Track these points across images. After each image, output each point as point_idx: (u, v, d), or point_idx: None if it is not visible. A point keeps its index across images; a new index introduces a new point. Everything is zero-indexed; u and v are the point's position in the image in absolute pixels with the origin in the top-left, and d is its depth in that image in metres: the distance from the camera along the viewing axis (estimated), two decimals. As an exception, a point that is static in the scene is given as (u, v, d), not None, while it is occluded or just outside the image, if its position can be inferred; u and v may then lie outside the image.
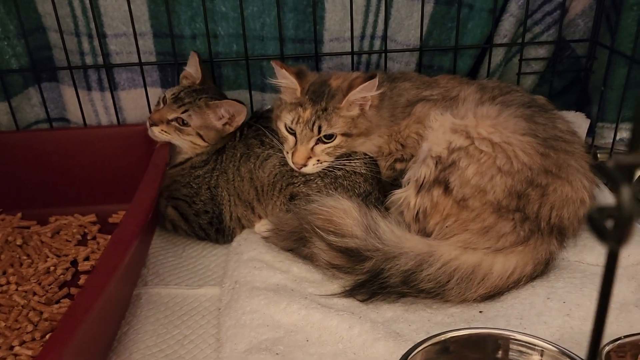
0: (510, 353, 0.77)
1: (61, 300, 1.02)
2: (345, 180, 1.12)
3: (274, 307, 0.94)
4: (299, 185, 1.13)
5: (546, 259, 1.00)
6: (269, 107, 1.29)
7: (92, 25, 1.25)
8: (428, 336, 0.78)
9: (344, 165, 1.12)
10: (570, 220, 1.00)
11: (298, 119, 1.08)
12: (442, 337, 0.77)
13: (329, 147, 1.09)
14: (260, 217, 1.18)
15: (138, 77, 1.33)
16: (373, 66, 1.36)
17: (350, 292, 0.97)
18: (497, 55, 1.34)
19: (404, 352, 0.74)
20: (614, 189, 0.31)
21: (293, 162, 1.09)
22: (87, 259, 1.13)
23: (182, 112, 1.15)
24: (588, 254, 1.06)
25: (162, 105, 1.18)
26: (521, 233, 0.98)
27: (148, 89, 1.33)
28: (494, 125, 1.01)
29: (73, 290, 1.04)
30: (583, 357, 0.71)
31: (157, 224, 1.22)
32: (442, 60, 1.35)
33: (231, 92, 1.36)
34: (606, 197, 1.16)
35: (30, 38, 1.28)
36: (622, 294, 0.95)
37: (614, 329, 0.88)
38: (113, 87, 1.33)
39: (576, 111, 1.37)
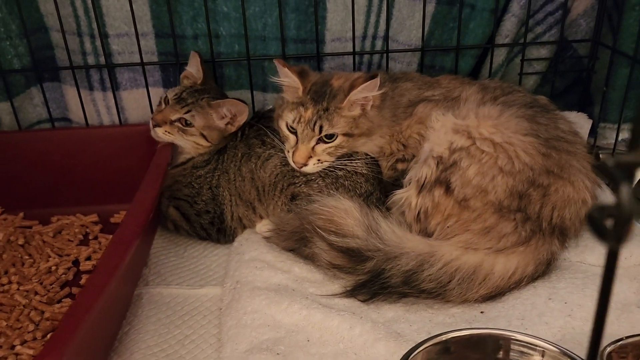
0: (511, 353, 0.77)
1: (63, 300, 1.02)
2: (347, 180, 1.12)
3: (275, 307, 0.94)
4: (300, 185, 1.13)
5: (548, 259, 0.99)
6: (271, 107, 1.29)
7: (94, 25, 1.26)
8: (429, 336, 0.78)
9: (345, 165, 1.12)
10: (572, 220, 1.00)
11: (299, 118, 1.08)
12: (443, 338, 0.77)
13: (330, 147, 1.09)
14: (261, 217, 1.18)
15: (140, 77, 1.33)
16: (375, 66, 1.36)
17: (352, 292, 0.97)
18: (499, 55, 1.34)
19: (405, 352, 0.74)
20: (614, 188, 0.31)
21: (294, 162, 1.09)
22: (88, 258, 1.13)
23: (185, 113, 1.15)
24: (590, 254, 1.06)
25: (164, 105, 1.18)
26: (522, 233, 0.98)
27: (150, 89, 1.33)
28: (496, 125, 1.01)
29: (75, 290, 1.04)
30: (584, 358, 0.71)
31: (159, 224, 1.23)
32: (443, 60, 1.35)
33: (233, 92, 1.36)
34: (608, 198, 1.16)
35: (33, 38, 1.28)
36: (623, 294, 0.95)
37: (615, 330, 0.88)
38: (115, 87, 1.34)
39: (578, 111, 1.37)
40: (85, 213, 1.28)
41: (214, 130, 1.18)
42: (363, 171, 1.13)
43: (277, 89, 1.21)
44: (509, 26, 1.30)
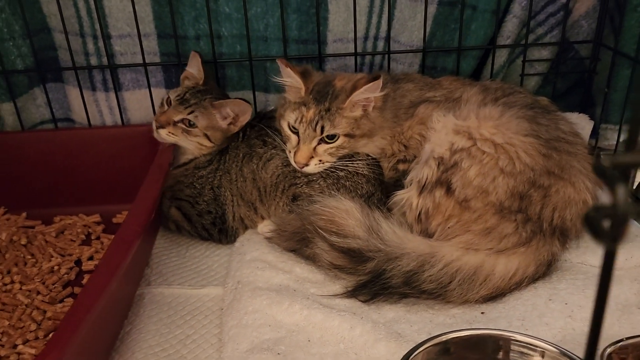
0: (511, 354, 0.78)
1: (65, 300, 1.03)
2: (348, 181, 1.12)
3: (276, 307, 0.94)
4: (302, 186, 1.13)
5: (548, 260, 1.00)
6: (272, 107, 1.30)
7: (97, 26, 1.26)
8: (429, 337, 0.78)
9: (347, 166, 1.12)
10: (573, 221, 1.00)
11: (301, 119, 1.09)
12: (443, 338, 0.77)
13: (332, 148, 1.09)
14: (263, 218, 1.19)
15: (142, 77, 1.33)
16: (376, 67, 1.36)
17: (352, 293, 0.98)
18: (501, 56, 1.34)
19: (405, 352, 0.74)
20: (610, 188, 0.31)
21: (295, 162, 1.10)
22: (91, 258, 1.14)
23: (189, 114, 1.15)
24: (591, 255, 1.06)
25: (166, 107, 1.18)
26: (523, 234, 0.98)
27: (152, 89, 1.34)
28: (497, 126, 1.01)
29: (77, 290, 1.05)
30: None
31: (161, 225, 1.23)
32: (445, 61, 1.35)
33: (235, 92, 1.36)
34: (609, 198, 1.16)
35: (35, 38, 1.29)
36: (624, 295, 0.95)
37: (616, 331, 0.88)
38: (117, 88, 1.34)
39: (580, 112, 1.37)
40: (87, 213, 1.28)
41: (217, 131, 1.18)
42: (364, 172, 1.13)
43: (279, 89, 1.21)
44: (510, 27, 1.30)
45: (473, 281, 0.94)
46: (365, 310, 0.95)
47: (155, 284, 1.07)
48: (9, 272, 1.08)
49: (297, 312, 0.93)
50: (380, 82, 1.06)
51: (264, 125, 1.20)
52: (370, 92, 1.07)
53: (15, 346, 0.91)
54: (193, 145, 1.19)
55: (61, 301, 1.02)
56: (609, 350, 0.77)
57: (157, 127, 1.15)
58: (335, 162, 1.11)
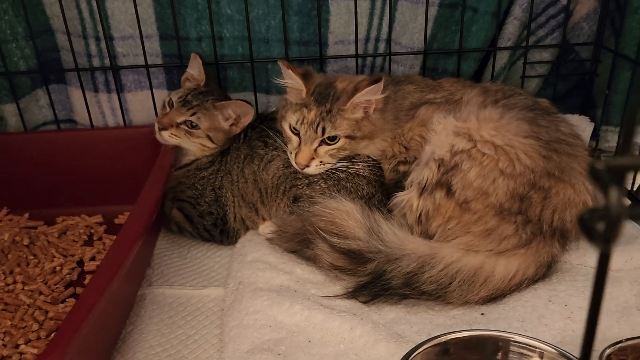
0: (510, 355, 0.78)
1: (67, 300, 1.03)
2: (349, 182, 1.12)
3: (276, 308, 0.95)
4: (303, 187, 1.13)
5: (548, 261, 1.00)
6: (274, 109, 1.30)
7: (100, 28, 1.27)
8: (429, 338, 0.78)
9: (347, 167, 1.12)
10: (573, 223, 1.00)
11: (302, 120, 1.09)
12: (443, 339, 0.77)
13: (332, 149, 1.10)
14: (264, 219, 1.19)
15: (144, 79, 1.34)
16: (377, 69, 1.37)
17: (353, 294, 0.98)
18: (501, 58, 1.34)
19: (405, 353, 0.75)
20: (604, 190, 0.32)
21: (296, 163, 1.10)
22: (93, 259, 1.14)
23: (191, 115, 1.15)
24: (590, 257, 1.06)
25: (168, 108, 1.18)
26: (523, 236, 0.98)
27: (154, 90, 1.34)
28: (497, 128, 1.01)
29: (79, 290, 1.05)
30: None
31: (162, 225, 1.23)
32: (446, 63, 1.35)
33: (236, 94, 1.37)
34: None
35: (38, 40, 1.30)
36: (624, 297, 0.95)
37: (616, 333, 0.88)
38: (120, 89, 1.35)
39: (580, 114, 1.37)
40: (89, 214, 1.29)
41: (219, 132, 1.19)
42: (365, 173, 1.14)
43: (281, 91, 1.21)
44: (511, 29, 1.30)
45: (473, 282, 0.95)
46: (365, 311, 0.96)
47: (157, 284, 1.08)
48: (11, 272, 1.09)
49: (297, 312, 0.93)
50: (381, 84, 1.06)
51: (265, 126, 1.21)
52: (372, 95, 1.08)
53: (17, 346, 0.92)
54: (195, 147, 1.19)
55: (63, 301, 1.03)
56: (608, 351, 0.78)
57: (160, 129, 1.16)
58: (336, 164, 1.12)
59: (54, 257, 1.13)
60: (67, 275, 1.08)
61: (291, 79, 1.12)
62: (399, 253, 0.96)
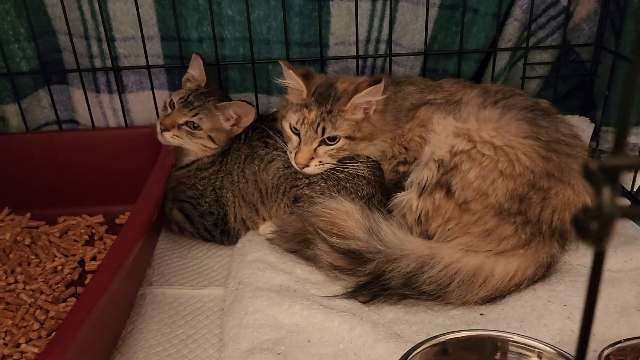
0: (508, 355, 0.78)
1: (68, 299, 1.04)
2: (348, 182, 1.13)
3: (276, 307, 0.95)
4: (303, 187, 1.14)
5: (548, 262, 1.00)
6: (274, 110, 1.31)
7: (101, 29, 1.27)
8: (428, 338, 0.78)
9: (347, 168, 1.13)
10: (572, 223, 1.00)
11: (303, 120, 1.10)
12: (441, 339, 0.78)
13: (332, 149, 1.10)
14: (264, 219, 1.20)
15: (146, 79, 1.34)
16: (378, 70, 1.37)
17: (352, 294, 0.98)
18: (502, 59, 1.34)
19: (403, 353, 0.75)
20: (597, 190, 0.32)
21: (295, 162, 1.10)
22: (94, 258, 1.15)
23: (193, 116, 1.16)
24: (590, 257, 1.06)
25: (169, 109, 1.18)
26: (523, 236, 0.98)
27: (155, 91, 1.35)
28: (496, 128, 1.01)
29: (80, 290, 1.06)
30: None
31: (163, 226, 1.24)
32: (446, 64, 1.36)
33: (237, 95, 1.37)
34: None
35: (40, 41, 1.30)
36: (623, 297, 0.95)
37: (615, 333, 0.88)
38: (121, 90, 1.35)
39: (580, 115, 1.37)
40: (91, 214, 1.29)
41: (221, 132, 1.19)
42: (365, 174, 1.14)
43: (282, 91, 1.22)
44: (511, 30, 1.30)
45: (472, 283, 0.95)
46: (364, 311, 0.96)
47: (157, 284, 1.08)
48: (12, 271, 1.09)
49: (297, 312, 0.94)
50: (381, 85, 1.07)
51: (265, 127, 1.21)
52: (372, 96, 1.08)
53: (18, 345, 0.92)
54: (197, 147, 1.20)
55: (64, 301, 1.03)
56: (606, 352, 0.78)
57: (162, 130, 1.16)
58: (335, 164, 1.12)
59: (55, 256, 1.14)
60: (68, 275, 1.09)
61: (292, 79, 1.13)
62: (399, 253, 0.96)
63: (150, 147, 1.24)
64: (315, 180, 1.13)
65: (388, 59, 1.34)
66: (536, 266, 0.98)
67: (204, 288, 1.07)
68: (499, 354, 0.78)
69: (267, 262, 1.08)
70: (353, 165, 1.13)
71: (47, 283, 1.06)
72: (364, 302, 0.98)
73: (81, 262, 1.14)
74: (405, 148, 1.14)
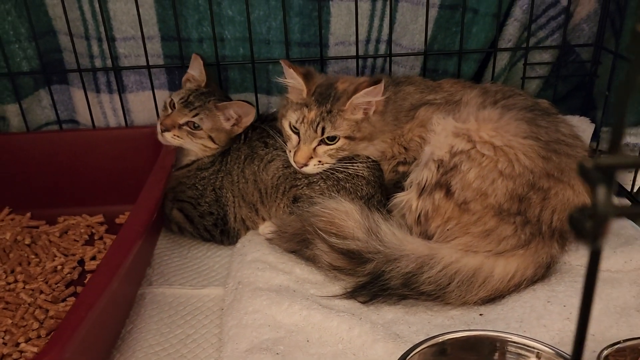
0: (507, 355, 0.78)
1: (67, 299, 1.04)
2: (348, 182, 1.13)
3: (275, 307, 0.95)
4: (302, 187, 1.14)
5: (547, 262, 1.00)
6: (274, 110, 1.31)
7: (102, 29, 1.28)
8: (426, 338, 0.78)
9: (347, 168, 1.13)
10: (572, 224, 1.00)
11: (303, 119, 1.10)
12: (440, 339, 0.78)
13: (331, 149, 1.10)
14: (264, 219, 1.20)
15: (146, 79, 1.35)
16: (378, 70, 1.37)
17: (352, 294, 0.98)
18: (502, 59, 1.34)
19: (402, 353, 0.75)
20: (592, 189, 0.32)
21: (294, 161, 1.11)
22: (93, 258, 1.15)
23: (194, 116, 1.16)
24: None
25: (169, 109, 1.19)
26: (522, 236, 0.98)
27: (156, 91, 1.35)
28: (496, 128, 1.01)
29: (79, 289, 1.06)
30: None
31: (163, 226, 1.24)
32: (446, 64, 1.36)
33: (237, 95, 1.37)
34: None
35: (41, 41, 1.30)
36: (623, 298, 0.95)
37: (614, 333, 0.88)
38: (121, 90, 1.35)
39: (581, 115, 1.37)
40: (91, 214, 1.30)
41: (221, 132, 1.19)
42: (364, 174, 1.14)
43: (282, 91, 1.22)
44: (511, 30, 1.30)
45: (472, 283, 0.95)
46: (364, 311, 0.96)
47: (157, 284, 1.08)
48: (12, 271, 1.09)
49: (296, 312, 0.94)
50: (381, 86, 1.07)
51: (265, 127, 1.21)
52: (372, 96, 1.08)
53: (17, 344, 0.92)
54: (197, 147, 1.20)
55: (64, 300, 1.03)
56: (605, 352, 0.78)
57: (162, 131, 1.16)
58: (334, 164, 1.12)
59: (55, 256, 1.14)
60: (68, 275, 1.09)
61: (292, 79, 1.13)
62: (398, 253, 0.96)
63: (150, 147, 1.25)
64: (315, 180, 1.13)
65: (388, 59, 1.34)
66: (536, 266, 0.98)
67: (204, 288, 1.07)
68: (497, 354, 0.78)
69: (266, 262, 1.08)
70: (353, 166, 1.13)
71: (46, 282, 1.06)
72: (363, 302, 0.98)
73: (81, 262, 1.14)
74: (405, 148, 1.14)
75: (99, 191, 1.32)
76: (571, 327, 0.89)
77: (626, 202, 1.26)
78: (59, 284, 1.06)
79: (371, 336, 0.88)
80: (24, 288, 1.05)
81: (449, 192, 1.01)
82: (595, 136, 1.36)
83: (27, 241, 1.17)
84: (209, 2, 1.25)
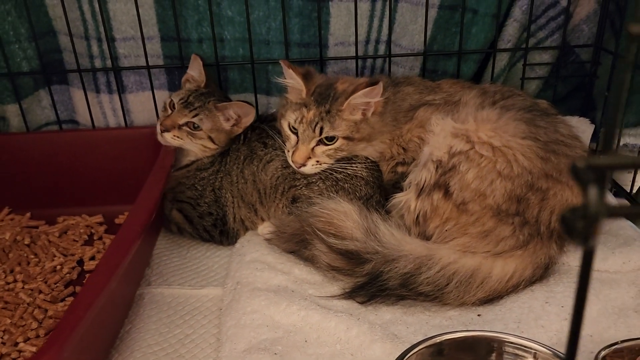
0: (504, 356, 0.78)
1: (66, 299, 1.04)
2: (347, 183, 1.13)
3: (274, 307, 0.95)
4: (301, 188, 1.14)
5: (546, 263, 1.00)
6: (274, 110, 1.31)
7: (102, 29, 1.28)
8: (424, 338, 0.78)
9: (346, 168, 1.13)
10: (570, 224, 1.00)
11: (301, 119, 1.10)
12: (437, 340, 0.78)
13: (330, 149, 1.10)
14: (263, 219, 1.20)
15: (146, 80, 1.35)
16: (377, 70, 1.37)
17: (350, 294, 0.98)
18: (501, 60, 1.34)
19: (399, 354, 0.75)
20: (583, 189, 0.32)
21: (292, 161, 1.11)
22: (93, 258, 1.15)
23: (193, 117, 1.16)
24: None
25: (169, 110, 1.19)
26: (520, 237, 0.98)
27: (155, 91, 1.35)
28: (494, 129, 1.01)
29: (78, 289, 1.06)
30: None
31: (162, 226, 1.24)
32: (446, 64, 1.36)
33: (237, 95, 1.38)
34: (611, 202, 1.16)
35: (41, 41, 1.31)
36: (621, 298, 0.95)
37: (612, 334, 0.88)
38: (121, 90, 1.36)
39: (580, 116, 1.37)
40: (90, 214, 1.30)
41: (221, 133, 1.20)
42: (363, 174, 1.14)
43: (281, 91, 1.22)
44: (511, 31, 1.30)
45: (470, 284, 0.95)
46: (362, 312, 0.96)
47: (156, 284, 1.08)
48: (12, 271, 1.09)
49: (294, 312, 0.94)
50: (380, 87, 1.07)
51: (264, 127, 1.21)
52: (370, 97, 1.08)
53: (16, 344, 0.92)
54: (197, 148, 1.20)
55: (62, 300, 1.03)
56: (603, 353, 0.78)
57: (162, 131, 1.16)
58: (333, 164, 1.12)
59: (55, 256, 1.14)
60: (67, 275, 1.09)
61: (292, 79, 1.13)
62: (396, 254, 0.96)
63: (150, 147, 1.25)
64: (314, 180, 1.13)
65: (387, 59, 1.34)
66: (534, 267, 0.98)
67: (202, 288, 1.07)
68: (494, 354, 0.78)
69: (265, 262, 1.08)
70: (351, 166, 1.13)
71: (46, 282, 1.06)
72: (361, 303, 0.98)
73: (80, 262, 1.14)
74: (403, 149, 1.14)
75: (98, 191, 1.32)
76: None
77: (626, 202, 1.26)
78: (58, 284, 1.06)
79: (369, 336, 0.88)
80: (23, 288, 1.05)
81: (447, 193, 1.01)
82: (595, 137, 1.36)
83: (27, 241, 1.18)
84: (208, 2, 1.25)
